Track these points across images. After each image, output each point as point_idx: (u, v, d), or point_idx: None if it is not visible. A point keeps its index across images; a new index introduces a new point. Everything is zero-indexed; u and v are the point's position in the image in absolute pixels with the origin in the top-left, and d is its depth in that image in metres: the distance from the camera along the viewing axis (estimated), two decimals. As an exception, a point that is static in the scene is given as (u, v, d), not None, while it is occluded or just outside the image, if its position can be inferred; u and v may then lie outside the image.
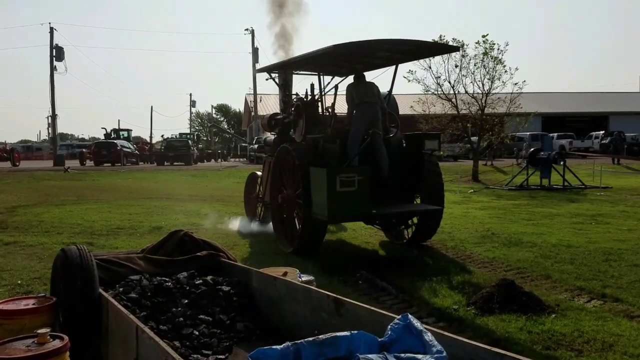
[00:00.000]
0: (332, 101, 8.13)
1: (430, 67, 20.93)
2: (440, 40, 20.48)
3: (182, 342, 3.24)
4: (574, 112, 51.40)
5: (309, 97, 8.21)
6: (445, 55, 20.64)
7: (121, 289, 3.60)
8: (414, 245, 7.84)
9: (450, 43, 20.53)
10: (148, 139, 63.58)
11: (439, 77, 21.22)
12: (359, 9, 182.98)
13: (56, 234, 8.61)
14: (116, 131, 46.56)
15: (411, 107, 24.32)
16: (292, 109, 8.32)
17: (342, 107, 8.07)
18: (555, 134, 39.81)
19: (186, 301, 3.64)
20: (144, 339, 2.48)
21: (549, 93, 55.55)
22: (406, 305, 5.19)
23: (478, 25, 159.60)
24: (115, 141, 38.12)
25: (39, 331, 2.58)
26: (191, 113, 80.00)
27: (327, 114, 7.91)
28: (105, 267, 3.86)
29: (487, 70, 20.73)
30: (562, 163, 17.28)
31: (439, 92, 21.54)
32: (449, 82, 21.17)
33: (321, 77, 7.88)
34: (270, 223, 8.37)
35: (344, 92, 7.97)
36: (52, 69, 37.63)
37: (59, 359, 2.49)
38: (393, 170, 7.50)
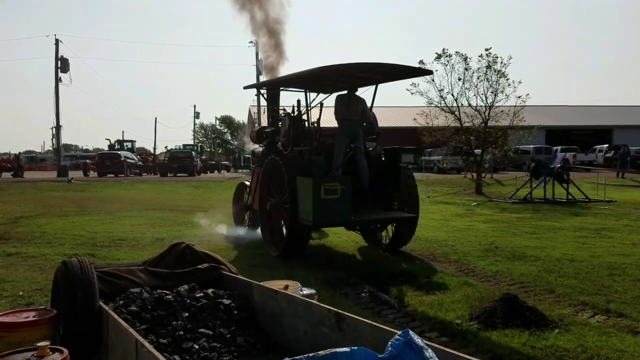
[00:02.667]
0: (318, 116, 8.61)
1: (433, 80, 21.02)
2: (444, 53, 20.62)
3: (182, 356, 3.21)
4: (578, 125, 51.39)
5: (296, 112, 8.80)
6: (449, 68, 20.76)
7: (121, 302, 3.59)
8: (392, 251, 8.39)
9: (453, 56, 20.69)
10: (152, 150, 63.78)
11: (442, 89, 21.30)
12: (359, 18, 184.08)
13: (58, 245, 8.61)
14: (120, 142, 46.75)
15: (414, 119, 24.38)
16: (280, 122, 8.93)
17: (326, 122, 8.62)
18: (559, 147, 39.78)
19: (187, 314, 3.62)
20: (144, 353, 2.46)
21: (552, 106, 55.60)
22: (409, 319, 5.16)
23: (481, 37, 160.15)
24: (119, 152, 38.20)
25: (39, 344, 2.57)
26: (195, 124, 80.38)
27: (313, 127, 8.47)
28: (106, 280, 3.85)
29: (490, 83, 20.81)
30: (566, 177, 17.23)
31: (442, 105, 21.59)
32: (452, 95, 21.25)
33: (307, 93, 8.45)
34: (258, 229, 8.94)
35: (330, 106, 8.60)
36: (57, 80, 37.87)
37: (58, 372, 2.47)
38: (373, 181, 8.16)
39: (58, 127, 39.78)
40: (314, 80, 8.34)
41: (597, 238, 9.70)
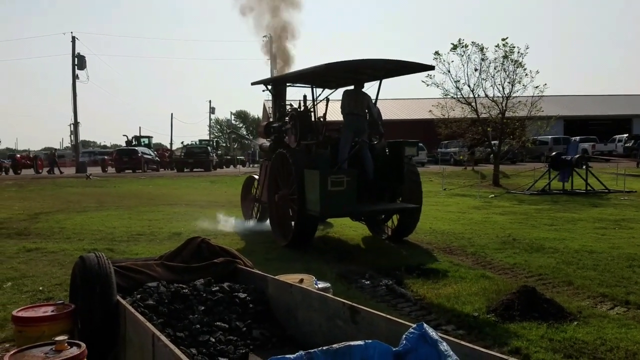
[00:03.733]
0: (324, 111, 8.94)
1: (449, 71, 20.84)
2: (460, 43, 20.42)
3: (198, 349, 3.23)
4: (597, 115, 50.60)
5: (302, 107, 9.13)
6: (465, 58, 20.57)
7: (139, 296, 3.62)
8: (396, 240, 8.69)
9: (470, 47, 20.49)
10: (168, 146, 64.21)
11: (459, 80, 21.11)
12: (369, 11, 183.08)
13: (77, 240, 8.72)
14: (137, 138, 47.06)
15: (429, 111, 24.21)
16: (288, 118, 9.25)
17: (332, 117, 8.84)
18: (578, 138, 39.25)
19: (203, 308, 3.64)
20: (160, 347, 2.48)
21: (571, 96, 54.83)
22: (425, 312, 5.14)
23: (498, 27, 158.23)
24: (136, 148, 38.52)
25: (57, 338, 2.60)
26: (210, 119, 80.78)
27: (319, 122, 8.83)
28: (123, 274, 3.88)
29: (507, 73, 20.58)
30: (584, 167, 17.01)
31: (458, 96, 21.40)
32: (469, 86, 21.06)
33: (313, 89, 8.78)
34: (267, 221, 9.31)
35: (337, 100, 8.88)
36: (74, 77, 38.30)
37: (76, 366, 2.50)
38: (377, 173, 8.43)
39: (76, 124, 40.27)
40: (320, 76, 8.55)
41: (616, 229, 9.57)
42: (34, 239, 8.82)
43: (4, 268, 6.61)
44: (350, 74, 8.54)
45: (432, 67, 8.59)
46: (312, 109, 8.90)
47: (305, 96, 9.24)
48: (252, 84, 10.37)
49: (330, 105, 9.30)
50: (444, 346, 1.69)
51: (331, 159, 8.16)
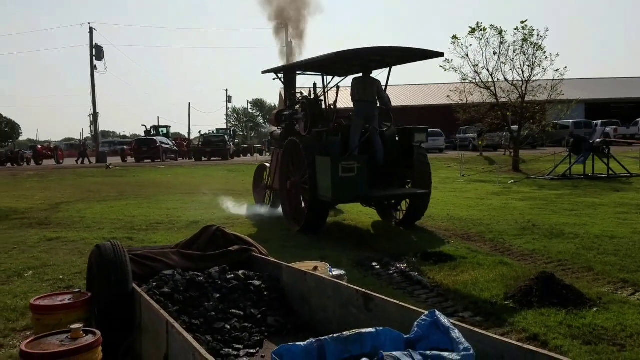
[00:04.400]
0: (335, 99, 9.03)
1: (467, 55, 20.57)
2: (478, 27, 20.14)
3: (213, 337, 3.25)
4: (619, 97, 49.54)
5: (312, 95, 9.29)
6: (483, 42, 20.29)
7: (154, 284, 3.64)
8: (405, 226, 8.79)
9: (488, 30, 20.19)
10: (186, 135, 64.61)
11: (477, 64, 20.83)
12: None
13: (97, 229, 8.83)
14: (156, 128, 47.39)
15: (447, 96, 23.96)
16: (298, 106, 9.42)
17: (342, 104, 9.00)
18: (599, 121, 38.53)
19: (218, 295, 3.66)
20: (174, 334, 2.49)
21: (592, 79, 53.80)
22: (442, 299, 5.10)
23: (515, 10, 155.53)
24: (154, 138, 38.81)
25: (72, 326, 2.63)
26: (227, 108, 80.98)
27: (330, 109, 8.98)
28: (139, 262, 3.92)
29: (526, 56, 20.26)
30: (606, 151, 16.71)
31: (477, 81, 21.12)
32: (488, 70, 20.78)
33: (324, 77, 8.93)
34: (279, 208, 9.54)
35: (347, 86, 8.92)
36: (93, 68, 38.62)
37: (91, 353, 2.53)
38: (387, 160, 8.51)
39: (95, 114, 40.68)
40: (331, 64, 8.66)
41: (638, 214, 9.40)
42: (54, 229, 8.95)
43: (25, 257, 6.73)
44: (359, 61, 8.58)
45: (441, 54, 8.50)
46: (322, 97, 9.06)
47: (315, 84, 9.39)
48: (263, 72, 10.46)
49: (340, 92, 9.33)
50: (455, 333, 1.66)
51: (342, 145, 8.31)
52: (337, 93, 9.12)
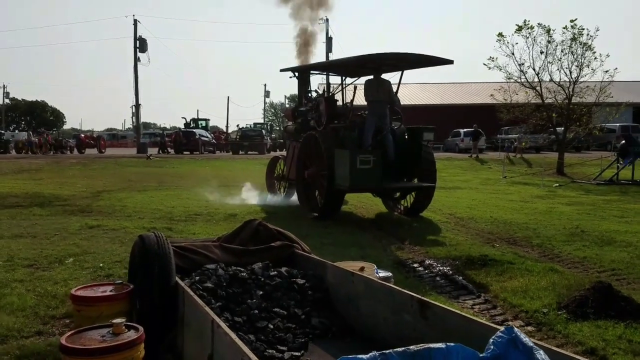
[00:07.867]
0: (352, 97, 9.58)
1: (513, 54, 20.02)
2: (525, 25, 19.58)
3: (256, 336, 3.13)
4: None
5: (329, 94, 10.10)
6: (530, 41, 19.72)
7: (197, 278, 3.54)
8: (411, 215, 9.61)
9: (535, 28, 19.60)
10: (224, 129, 65.12)
11: (523, 63, 20.25)
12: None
13: (138, 218, 8.86)
14: (195, 121, 47.89)
15: (491, 95, 23.38)
16: (316, 102, 10.08)
17: (359, 102, 9.59)
18: (648, 126, 37.04)
19: (261, 293, 3.54)
20: (220, 334, 2.37)
21: (641, 82, 51.77)
22: (489, 306, 4.87)
23: (565, 9, 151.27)
24: (194, 130, 39.24)
25: (114, 321, 2.53)
26: (265, 103, 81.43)
27: (347, 106, 9.71)
28: (182, 255, 3.83)
29: (575, 56, 19.60)
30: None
31: (522, 80, 20.54)
32: (534, 69, 20.18)
33: (343, 78, 9.76)
34: (293, 196, 10.42)
35: (361, 84, 9.68)
36: (136, 60, 39.14)
37: (133, 350, 2.42)
38: (397, 155, 9.21)
39: (137, 106, 41.23)
40: (348, 66, 9.48)
41: (696, 224, 8.90)
42: (95, 216, 9.03)
43: (66, 244, 6.76)
44: (373, 64, 9.20)
45: (451, 61, 9.09)
46: (337, 95, 9.93)
47: (329, 83, 10.32)
48: (281, 70, 11.16)
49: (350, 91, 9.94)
50: (541, 355, 1.47)
51: (357, 140, 9.07)
52: (354, 92, 9.58)
